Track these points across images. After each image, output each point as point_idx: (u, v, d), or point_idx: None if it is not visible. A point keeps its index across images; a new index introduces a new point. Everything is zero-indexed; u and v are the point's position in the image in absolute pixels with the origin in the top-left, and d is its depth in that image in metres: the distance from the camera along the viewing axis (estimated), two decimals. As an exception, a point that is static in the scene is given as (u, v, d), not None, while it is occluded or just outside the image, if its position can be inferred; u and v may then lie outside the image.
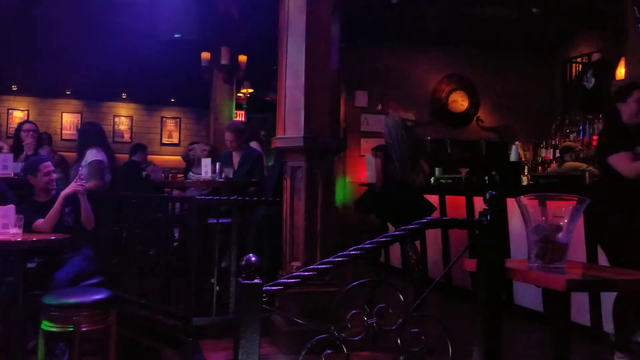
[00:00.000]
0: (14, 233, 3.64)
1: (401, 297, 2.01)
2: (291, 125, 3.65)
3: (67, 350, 3.84)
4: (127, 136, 11.40)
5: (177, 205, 4.78)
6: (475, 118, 9.01)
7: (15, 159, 4.88)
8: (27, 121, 5.60)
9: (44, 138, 6.36)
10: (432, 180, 6.10)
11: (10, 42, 8.07)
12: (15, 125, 10.38)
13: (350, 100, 8.27)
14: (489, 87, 8.95)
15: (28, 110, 10.87)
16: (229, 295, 3.97)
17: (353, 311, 2.10)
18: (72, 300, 3.38)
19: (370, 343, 2.11)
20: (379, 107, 8.47)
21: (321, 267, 2.10)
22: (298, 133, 3.59)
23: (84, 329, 3.33)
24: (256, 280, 1.96)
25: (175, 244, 4.75)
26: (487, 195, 2.10)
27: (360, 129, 8.35)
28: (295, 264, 3.55)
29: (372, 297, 2.18)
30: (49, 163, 4.17)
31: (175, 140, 11.87)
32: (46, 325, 3.35)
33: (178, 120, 11.94)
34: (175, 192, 6.19)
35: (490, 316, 2.02)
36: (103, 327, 3.50)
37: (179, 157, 11.31)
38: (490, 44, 8.59)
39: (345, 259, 2.13)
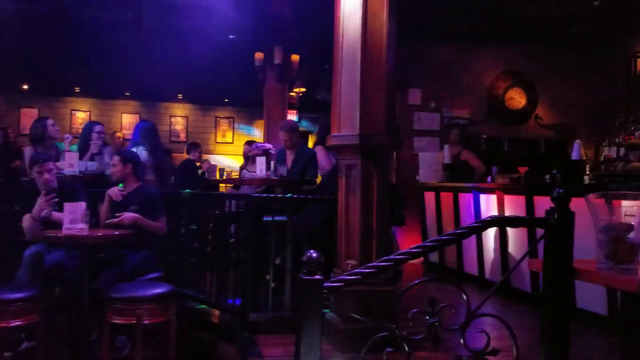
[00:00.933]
0: (81, 228, 3.80)
1: (464, 296, 1.98)
2: (346, 123, 3.65)
3: (128, 342, 3.97)
4: (182, 136, 11.68)
5: (233, 202, 4.86)
6: (533, 115, 8.75)
7: (81, 158, 5.08)
8: (97, 122, 5.82)
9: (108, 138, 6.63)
10: (488, 179, 5.98)
11: (73, 46, 8.41)
12: (77, 126, 10.92)
13: (403, 97, 8.18)
14: (548, 84, 8.67)
15: (90, 111, 11.31)
16: (284, 292, 4.01)
17: (414, 310, 2.07)
18: (135, 294, 3.50)
19: (432, 343, 2.07)
20: (433, 104, 8.35)
21: (382, 265, 2.09)
22: (353, 131, 3.58)
23: (146, 322, 3.44)
24: (317, 276, 1.97)
25: (232, 240, 4.82)
26: (555, 194, 2.03)
27: (413, 127, 8.25)
28: (351, 262, 3.54)
29: (433, 296, 2.15)
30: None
31: (229, 140, 12.09)
32: (110, 318, 3.48)
33: (231, 119, 12.15)
34: (230, 191, 6.30)
35: (558, 318, 1.95)
36: (163, 320, 3.61)
37: (232, 156, 11.55)
38: (549, 39, 8.33)
39: (405, 257, 2.11)
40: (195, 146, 8.13)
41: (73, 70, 9.90)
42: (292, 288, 3.95)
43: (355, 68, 3.60)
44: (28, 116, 11.01)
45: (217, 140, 12.04)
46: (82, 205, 3.80)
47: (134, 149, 4.92)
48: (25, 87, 10.91)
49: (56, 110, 11.05)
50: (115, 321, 3.47)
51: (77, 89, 11.08)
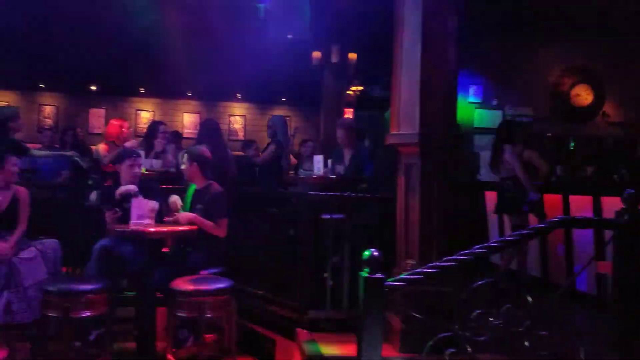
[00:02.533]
0: (147, 224, 3.94)
1: (529, 298, 1.93)
2: (406, 122, 3.61)
3: (190, 335, 4.09)
4: (241, 134, 11.89)
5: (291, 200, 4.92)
6: (600, 112, 8.40)
7: (146, 156, 5.27)
8: (161, 122, 6.02)
9: (173, 136, 6.84)
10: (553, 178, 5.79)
11: (138, 49, 8.72)
12: (142, 125, 11.32)
13: (463, 95, 8.03)
14: (616, 80, 8.29)
15: (154, 111, 11.68)
16: (342, 290, 4.02)
17: (478, 311, 2.04)
18: (198, 287, 3.59)
19: (495, 344, 2.04)
20: (494, 102, 8.15)
21: (445, 265, 2.07)
22: (413, 129, 3.55)
23: (208, 315, 3.54)
24: (379, 275, 1.97)
25: (289, 237, 4.88)
26: (625, 195, 1.96)
27: (473, 125, 8.09)
28: (410, 261, 3.51)
29: (495, 298, 2.11)
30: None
31: (285, 138, 12.21)
32: (174, 310, 3.59)
33: (288, 118, 12.26)
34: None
35: (630, 320, 1.88)
36: (224, 314, 3.69)
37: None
38: (616, 32, 7.96)
39: (469, 257, 2.08)
40: (251, 144, 8.26)
41: (138, 72, 10.28)
42: (350, 286, 3.95)
43: (415, 65, 3.56)
44: (96, 116, 11.50)
45: (274, 139, 12.20)
46: (149, 201, 3.93)
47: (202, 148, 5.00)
48: (93, 88, 11.39)
49: (122, 110, 11.48)
50: (179, 314, 3.58)
51: (142, 90, 11.47)
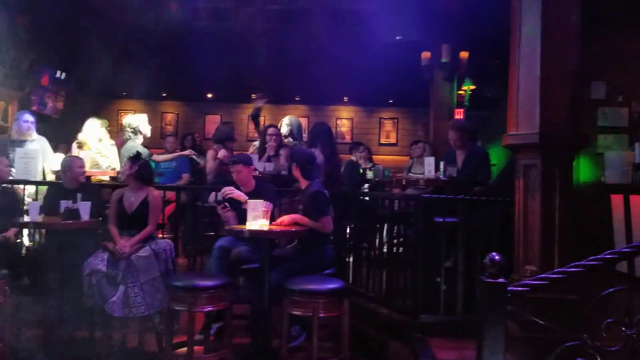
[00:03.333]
0: (262, 224, 4.08)
1: (671, 309, 1.78)
2: (524, 121, 3.47)
3: (303, 333, 4.18)
4: (348, 137, 12.00)
5: (397, 203, 4.88)
6: None
7: (260, 159, 5.48)
8: (271, 126, 6.23)
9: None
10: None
11: (249, 57, 9.12)
12: (253, 130, 11.78)
13: (585, 92, 7.53)
14: None
15: (264, 117, 12.11)
16: (456, 295, 3.93)
17: (609, 319, 1.92)
18: (312, 287, 3.67)
19: (628, 355, 1.90)
20: (620, 98, 7.56)
21: (571, 271, 1.96)
22: (532, 129, 3.39)
23: (321, 315, 3.60)
24: (500, 280, 1.91)
25: (400, 240, 4.86)
26: None
27: (597, 124, 7.55)
28: (530, 267, 3.36)
29: (630, 307, 1.97)
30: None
31: (393, 140, 12.14)
32: (288, 309, 3.70)
33: (395, 120, 12.19)
34: (395, 191, 6.33)
35: None
36: (337, 314, 3.74)
37: (396, 157, 11.59)
38: None
39: (598, 262, 1.96)
40: (357, 146, 8.31)
41: (249, 79, 10.74)
42: (464, 291, 3.85)
43: (534, 62, 3.41)
44: (212, 122, 12.13)
45: (381, 142, 12.17)
46: (264, 203, 4.07)
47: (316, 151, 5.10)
48: (209, 95, 12.05)
49: (235, 116, 12.03)
50: (294, 312, 3.67)
51: (253, 96, 11.92)
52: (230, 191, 4.38)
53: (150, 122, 6.23)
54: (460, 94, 8.90)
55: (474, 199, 4.15)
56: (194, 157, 6.90)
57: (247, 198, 4.32)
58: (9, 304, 3.86)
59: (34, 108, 8.53)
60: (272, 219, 4.34)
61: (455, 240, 4.09)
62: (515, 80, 3.53)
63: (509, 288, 1.88)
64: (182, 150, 8.88)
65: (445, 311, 3.93)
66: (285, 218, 4.22)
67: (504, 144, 3.62)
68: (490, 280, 1.89)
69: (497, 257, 1.93)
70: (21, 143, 5.49)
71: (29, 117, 5.60)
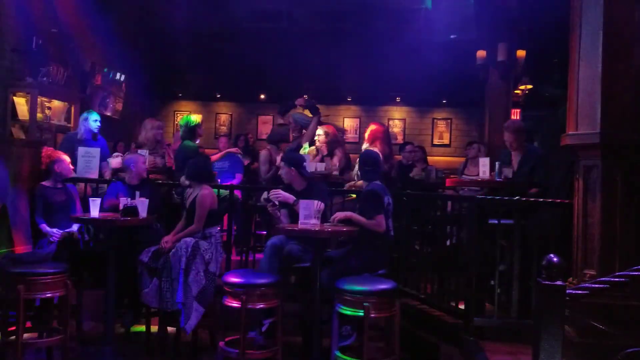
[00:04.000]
0: (314, 224, 4.11)
1: None
2: (585, 120, 3.35)
3: (353, 332, 4.17)
4: (400, 138, 11.90)
5: (450, 204, 4.80)
6: None
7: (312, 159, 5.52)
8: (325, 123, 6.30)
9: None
10: None
11: (301, 59, 9.21)
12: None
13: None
14: None
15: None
16: (510, 299, 3.84)
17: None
18: (363, 287, 3.66)
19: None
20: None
21: (635, 274, 1.88)
22: (593, 128, 3.27)
23: (372, 315, 3.58)
24: (558, 282, 1.85)
25: (453, 242, 4.78)
26: None
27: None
28: (589, 271, 3.24)
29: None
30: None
31: (446, 141, 11.97)
32: (340, 308, 3.70)
33: (449, 121, 12.02)
34: (448, 192, 6.22)
35: None
36: (388, 315, 3.72)
37: (449, 158, 11.42)
38: None
39: (666, 267, 1.88)
40: (405, 146, 8.21)
41: (302, 80, 10.84)
42: (519, 295, 3.76)
43: (595, 58, 3.29)
44: (264, 122, 12.31)
45: (434, 143, 12.01)
46: (316, 202, 4.10)
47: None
48: (262, 97, 12.23)
49: (287, 117, 12.14)
50: (344, 312, 3.67)
51: (305, 97, 12.04)
52: (276, 194, 4.43)
53: (205, 122, 6.38)
54: (517, 93, 8.67)
55: (530, 201, 4.04)
56: (239, 155, 7.02)
57: (294, 200, 4.37)
58: (70, 297, 4.01)
59: (94, 109, 8.90)
60: (324, 218, 4.36)
61: (510, 243, 3.99)
62: (575, 77, 3.42)
63: (567, 291, 1.82)
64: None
65: (499, 315, 3.84)
66: (340, 214, 4.22)
67: (563, 144, 3.51)
68: (548, 282, 1.84)
69: (555, 259, 1.88)
70: (88, 142, 5.71)
71: (97, 117, 5.84)
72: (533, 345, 1.85)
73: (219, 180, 5.69)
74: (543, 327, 1.84)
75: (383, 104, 12.18)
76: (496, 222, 3.95)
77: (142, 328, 4.56)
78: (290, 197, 4.43)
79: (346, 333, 4.19)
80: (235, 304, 3.82)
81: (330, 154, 5.70)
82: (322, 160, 5.63)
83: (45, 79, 7.01)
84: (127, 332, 4.72)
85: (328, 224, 4.22)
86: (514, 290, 3.80)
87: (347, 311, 3.65)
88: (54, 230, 4.69)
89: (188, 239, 4.36)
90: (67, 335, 3.97)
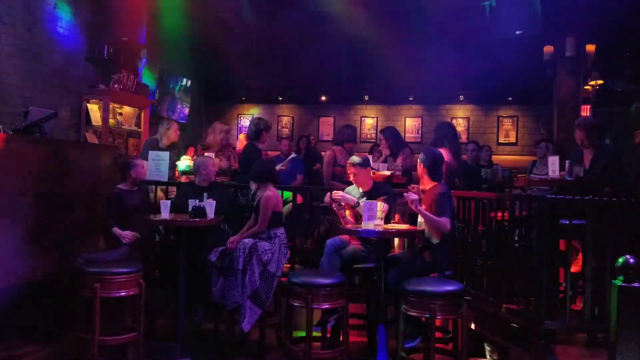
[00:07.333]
0: (376, 224, 4.11)
1: None
2: (662, 115, 3.19)
3: (420, 334, 4.14)
4: (464, 137, 11.65)
5: (519, 204, 4.66)
6: None
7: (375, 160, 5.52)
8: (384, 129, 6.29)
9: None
10: None
11: (360, 61, 9.23)
12: (366, 131, 11.89)
13: None
14: None
15: (377, 117, 12.14)
16: (583, 301, 3.71)
17: None
18: (429, 288, 3.62)
19: None
20: None
21: None
22: (672, 123, 3.12)
23: (439, 317, 3.55)
24: (636, 284, 1.79)
25: (521, 243, 4.65)
26: None
27: None
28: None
29: None
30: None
31: (512, 140, 11.62)
32: (405, 309, 3.68)
33: (515, 118, 11.66)
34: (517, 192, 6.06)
35: None
36: (455, 317, 3.67)
37: (517, 157, 11.09)
38: None
39: None
40: (467, 144, 8.06)
41: (362, 81, 10.83)
42: (593, 297, 3.62)
43: (674, 51, 3.13)
44: (325, 124, 12.36)
45: (500, 141, 11.68)
46: (380, 202, 4.10)
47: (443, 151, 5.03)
48: (323, 98, 12.30)
49: (348, 118, 12.15)
50: (410, 313, 3.65)
51: (366, 97, 12.01)
52: (338, 196, 4.48)
53: (268, 125, 6.46)
54: (587, 89, 8.32)
55: (605, 200, 3.87)
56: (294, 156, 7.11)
57: (356, 201, 4.39)
58: (143, 296, 4.18)
59: (163, 114, 9.25)
60: (387, 219, 4.36)
61: (582, 244, 3.85)
62: (651, 71, 3.26)
63: (646, 294, 1.76)
64: (297, 152, 9.19)
65: (571, 318, 3.71)
66: (413, 195, 4.09)
67: (637, 140, 3.36)
68: (624, 284, 1.78)
69: (631, 260, 1.82)
70: (168, 148, 5.95)
71: (177, 127, 6.12)
72: (609, 349, 1.80)
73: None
74: (619, 331, 1.78)
75: (446, 103, 11.94)
76: (567, 222, 3.82)
77: (211, 326, 4.70)
78: (352, 199, 4.45)
79: (411, 334, 4.16)
80: (300, 303, 3.87)
81: (394, 155, 5.68)
82: (385, 161, 5.62)
83: (116, 85, 7.36)
84: (197, 330, 4.88)
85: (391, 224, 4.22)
86: (587, 292, 3.66)
87: (413, 312, 3.62)
88: (126, 232, 4.83)
89: (247, 240, 4.44)
90: (140, 332, 4.13)
